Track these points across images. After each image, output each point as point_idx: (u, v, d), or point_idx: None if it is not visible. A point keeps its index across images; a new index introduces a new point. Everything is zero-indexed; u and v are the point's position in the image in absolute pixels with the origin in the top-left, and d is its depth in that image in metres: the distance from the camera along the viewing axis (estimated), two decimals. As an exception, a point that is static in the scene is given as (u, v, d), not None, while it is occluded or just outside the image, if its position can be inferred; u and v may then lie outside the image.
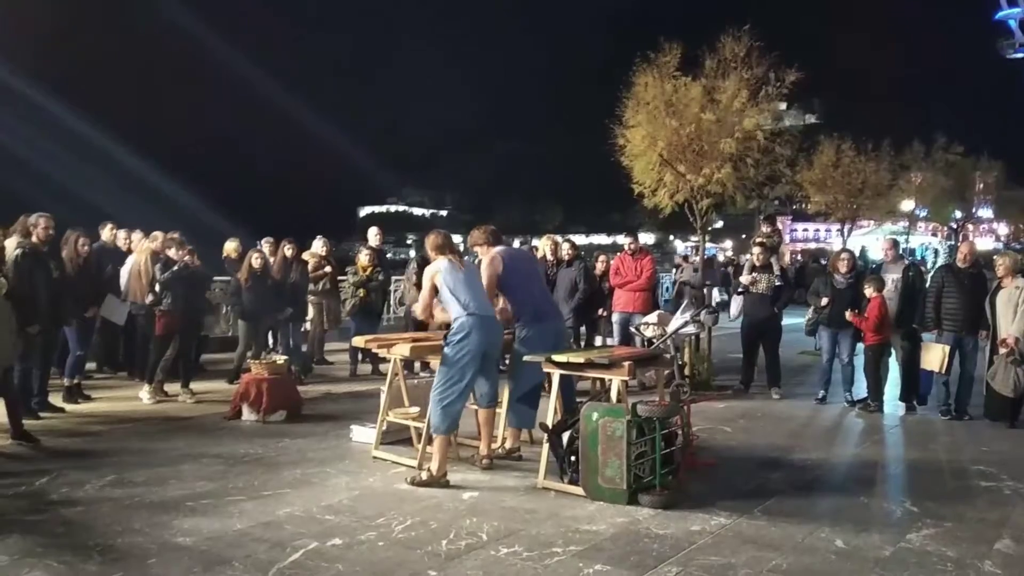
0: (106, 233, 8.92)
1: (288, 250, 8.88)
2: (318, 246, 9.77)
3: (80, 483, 4.78)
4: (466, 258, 5.45)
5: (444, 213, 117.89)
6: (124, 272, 8.17)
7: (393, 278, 12.21)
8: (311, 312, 9.61)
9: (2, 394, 5.83)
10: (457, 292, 4.95)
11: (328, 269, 9.57)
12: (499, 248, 5.61)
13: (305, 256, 9.45)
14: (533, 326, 5.44)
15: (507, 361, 5.95)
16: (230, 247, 9.73)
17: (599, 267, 9.46)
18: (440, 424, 4.85)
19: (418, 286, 9.32)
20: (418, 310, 5.21)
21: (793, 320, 8.83)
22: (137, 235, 8.87)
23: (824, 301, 7.52)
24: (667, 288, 18.43)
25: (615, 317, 8.65)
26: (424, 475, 4.86)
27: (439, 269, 5.04)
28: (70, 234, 7.27)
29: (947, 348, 6.96)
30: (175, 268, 7.37)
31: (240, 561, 3.64)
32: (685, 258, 17.03)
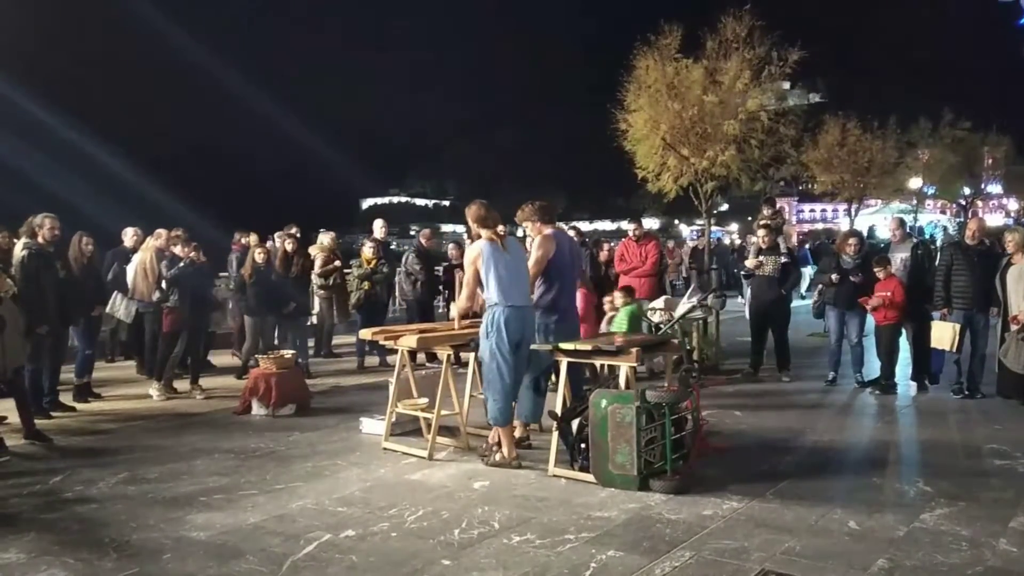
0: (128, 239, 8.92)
1: (290, 245, 8.86)
2: (326, 240, 9.76)
3: (93, 481, 4.81)
4: (509, 237, 5.04)
5: (447, 203, 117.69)
6: (130, 270, 8.19)
7: (398, 269, 12.19)
8: (317, 306, 9.61)
9: (13, 394, 5.88)
10: (499, 279, 4.76)
11: (337, 263, 9.58)
12: (551, 231, 5.34)
13: (312, 250, 9.45)
14: (553, 324, 5.27)
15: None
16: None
17: (603, 254, 9.44)
18: (498, 416, 4.94)
19: (409, 275, 9.34)
20: (462, 299, 5.10)
21: (802, 302, 8.79)
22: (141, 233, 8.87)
23: (834, 277, 7.44)
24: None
25: (622, 303, 8.63)
26: (497, 457, 4.98)
27: (480, 252, 4.81)
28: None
29: (958, 326, 6.91)
30: (181, 265, 7.39)
31: (254, 554, 3.66)
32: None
